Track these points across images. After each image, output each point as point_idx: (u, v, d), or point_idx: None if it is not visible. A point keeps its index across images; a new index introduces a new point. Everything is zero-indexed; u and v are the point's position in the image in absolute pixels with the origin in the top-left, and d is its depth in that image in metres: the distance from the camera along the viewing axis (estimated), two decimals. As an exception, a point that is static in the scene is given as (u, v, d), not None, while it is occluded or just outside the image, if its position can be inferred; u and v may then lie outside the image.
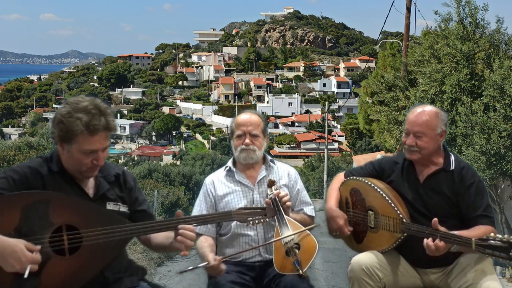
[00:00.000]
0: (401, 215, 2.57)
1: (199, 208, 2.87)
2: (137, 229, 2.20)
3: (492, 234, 2.23)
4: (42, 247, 1.98)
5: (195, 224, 2.32)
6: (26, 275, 1.87)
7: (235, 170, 2.88)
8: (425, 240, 2.39)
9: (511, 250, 2.16)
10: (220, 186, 2.86)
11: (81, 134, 2.05)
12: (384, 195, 2.66)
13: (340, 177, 2.98)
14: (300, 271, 2.49)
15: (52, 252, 2.00)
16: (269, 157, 2.95)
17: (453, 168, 2.64)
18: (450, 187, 2.61)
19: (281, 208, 2.66)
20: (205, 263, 2.48)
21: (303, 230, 2.61)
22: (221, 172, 2.94)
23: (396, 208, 2.59)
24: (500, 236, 2.21)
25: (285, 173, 2.93)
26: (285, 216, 2.65)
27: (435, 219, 2.40)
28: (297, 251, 2.54)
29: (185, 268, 2.54)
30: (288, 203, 2.69)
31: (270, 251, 2.73)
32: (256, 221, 2.42)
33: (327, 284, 5.78)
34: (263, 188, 2.83)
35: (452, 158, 2.69)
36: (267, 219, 2.46)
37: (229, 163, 2.92)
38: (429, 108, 2.67)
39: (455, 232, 2.37)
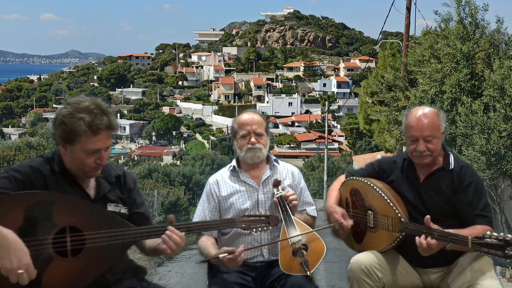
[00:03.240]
0: (399, 214, 2.57)
1: (202, 208, 2.83)
2: (141, 233, 2.19)
3: (488, 233, 2.23)
4: (45, 248, 1.98)
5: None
6: (19, 272, 1.85)
7: (239, 170, 2.85)
8: (417, 238, 2.39)
9: (506, 248, 2.16)
10: (224, 186, 2.83)
11: (84, 134, 2.04)
12: (383, 194, 2.66)
13: (341, 178, 2.99)
14: (308, 272, 2.48)
15: (55, 254, 2.00)
16: (273, 157, 2.93)
17: (452, 167, 2.64)
18: (449, 186, 2.61)
19: (288, 208, 2.67)
20: (225, 254, 2.41)
21: (311, 231, 2.61)
22: (225, 172, 2.90)
23: (394, 208, 2.60)
24: (496, 234, 2.20)
25: (289, 173, 2.91)
26: (292, 216, 2.65)
27: (428, 216, 2.40)
28: (304, 252, 2.53)
29: (206, 258, 2.54)
30: (294, 202, 2.69)
31: (274, 252, 2.72)
32: (260, 229, 2.42)
33: (327, 284, 5.78)
34: (268, 188, 2.81)
35: (452, 157, 2.69)
36: (270, 227, 2.46)
37: (233, 163, 2.89)
38: (428, 109, 2.64)
39: (451, 231, 2.37)
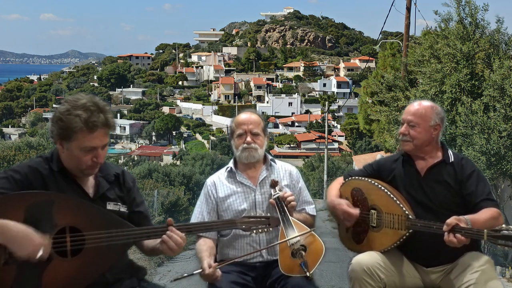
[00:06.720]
0: (406, 212, 2.58)
1: (200, 209, 2.84)
2: (140, 233, 2.19)
3: (504, 225, 2.24)
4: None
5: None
6: (38, 256, 1.90)
7: (236, 171, 2.86)
8: (445, 236, 2.36)
9: None
10: (222, 188, 2.83)
11: (80, 131, 2.05)
12: (388, 192, 2.67)
13: (339, 180, 2.98)
14: (307, 273, 2.47)
15: (55, 254, 2.00)
16: (269, 157, 2.92)
17: (452, 160, 2.70)
18: (452, 177, 2.64)
19: (286, 209, 2.65)
20: (199, 270, 2.45)
21: (309, 231, 2.60)
22: (222, 173, 2.90)
23: (401, 205, 2.61)
24: None
25: (286, 173, 2.90)
26: (290, 217, 2.64)
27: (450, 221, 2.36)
28: (303, 253, 2.52)
29: (179, 276, 2.49)
30: (293, 203, 2.67)
31: (273, 252, 2.72)
32: (260, 230, 2.42)
33: (327, 284, 5.78)
34: (265, 189, 2.80)
35: (450, 152, 2.76)
36: (271, 229, 2.45)
37: (230, 164, 2.89)
38: (426, 102, 2.78)
39: (466, 217, 2.37)
